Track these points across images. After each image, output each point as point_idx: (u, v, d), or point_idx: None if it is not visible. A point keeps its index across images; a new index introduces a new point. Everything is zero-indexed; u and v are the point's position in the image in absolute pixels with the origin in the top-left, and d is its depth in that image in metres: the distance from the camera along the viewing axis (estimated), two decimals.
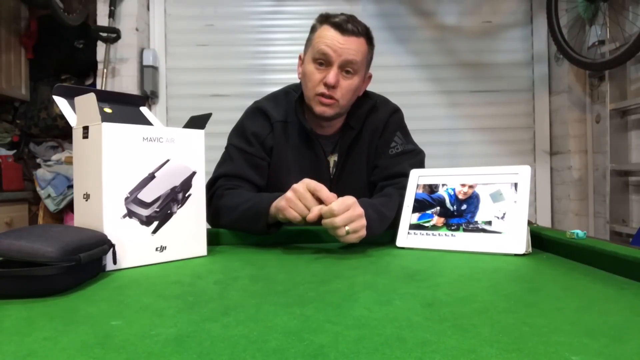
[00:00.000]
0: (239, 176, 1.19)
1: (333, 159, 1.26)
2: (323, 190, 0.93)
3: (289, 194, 0.95)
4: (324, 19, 1.17)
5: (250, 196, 1.09)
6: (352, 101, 1.22)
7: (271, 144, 1.23)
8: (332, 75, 1.13)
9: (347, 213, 0.90)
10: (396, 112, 1.30)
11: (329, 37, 1.13)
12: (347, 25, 1.13)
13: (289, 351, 0.43)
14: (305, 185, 0.94)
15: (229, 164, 1.21)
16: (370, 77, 1.27)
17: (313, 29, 1.20)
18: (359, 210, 0.92)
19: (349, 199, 0.92)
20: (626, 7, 2.32)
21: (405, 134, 1.29)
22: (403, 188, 1.12)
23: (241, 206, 1.05)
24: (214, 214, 1.12)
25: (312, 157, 1.24)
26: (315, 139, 1.23)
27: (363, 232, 0.92)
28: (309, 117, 1.23)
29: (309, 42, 1.20)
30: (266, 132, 1.23)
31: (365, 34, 1.17)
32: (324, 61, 1.15)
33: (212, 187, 1.18)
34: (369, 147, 1.26)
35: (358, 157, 1.25)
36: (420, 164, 1.24)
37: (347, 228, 0.90)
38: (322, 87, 1.15)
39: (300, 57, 1.25)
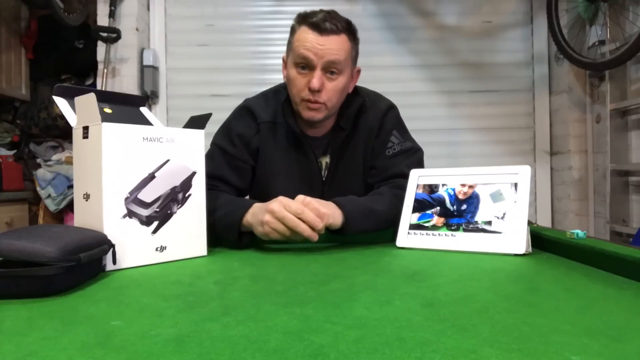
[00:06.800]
0: (218, 177, 1.15)
1: (325, 161, 1.23)
2: (307, 214, 0.91)
3: (267, 217, 0.93)
4: (302, 19, 1.12)
5: (224, 202, 1.05)
6: (340, 101, 1.18)
7: (257, 145, 1.20)
8: (315, 80, 1.09)
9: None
10: (391, 109, 1.25)
11: (309, 39, 1.08)
12: (324, 24, 1.08)
13: (289, 351, 0.43)
14: (282, 206, 0.92)
15: (209, 163, 1.14)
16: (358, 72, 1.23)
17: (292, 31, 1.14)
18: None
19: (300, 198, 0.94)
20: (626, 7, 2.32)
21: (401, 131, 1.24)
22: (398, 187, 1.11)
23: (216, 212, 1.02)
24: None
25: (301, 160, 1.21)
26: (305, 141, 1.20)
27: (325, 220, 0.93)
28: (298, 119, 1.20)
29: (289, 45, 1.16)
30: (252, 133, 1.20)
31: (346, 29, 1.11)
32: (305, 65, 1.11)
33: None
34: (365, 148, 1.22)
35: (352, 158, 1.22)
36: (418, 163, 1.21)
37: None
38: (307, 93, 1.11)
39: (283, 60, 1.20)
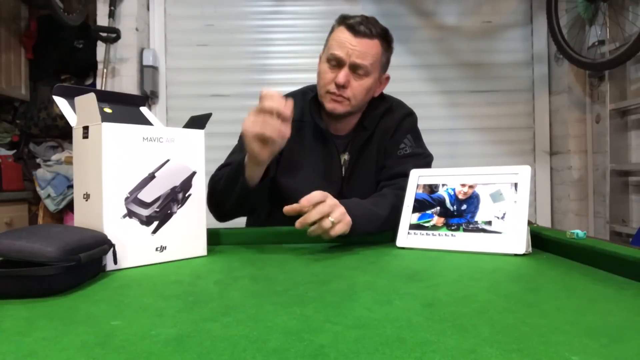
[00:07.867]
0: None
1: (344, 158, 1.27)
2: (280, 106, 0.93)
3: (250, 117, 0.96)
4: (341, 20, 1.20)
5: (226, 169, 1.13)
6: (365, 101, 1.23)
7: None
8: (342, 75, 1.15)
9: (319, 206, 0.91)
10: (410, 115, 1.31)
11: (342, 39, 1.16)
12: (359, 27, 1.15)
13: (289, 351, 0.43)
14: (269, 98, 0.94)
15: (237, 155, 1.22)
16: (387, 79, 1.29)
17: (331, 30, 1.22)
18: (333, 201, 0.94)
19: (316, 194, 0.93)
20: (626, 7, 2.32)
21: (416, 137, 1.29)
22: (400, 189, 1.12)
23: (224, 171, 1.10)
24: (211, 196, 1.13)
25: (325, 156, 1.26)
26: (330, 138, 1.25)
27: (347, 220, 0.94)
28: (324, 117, 1.26)
29: (326, 43, 1.23)
30: None
31: (380, 35, 1.18)
32: (336, 62, 1.17)
33: None
34: (378, 148, 1.27)
35: (369, 157, 1.26)
36: (426, 167, 1.23)
37: (331, 219, 0.91)
38: (332, 86, 1.18)
39: (320, 57, 1.27)
